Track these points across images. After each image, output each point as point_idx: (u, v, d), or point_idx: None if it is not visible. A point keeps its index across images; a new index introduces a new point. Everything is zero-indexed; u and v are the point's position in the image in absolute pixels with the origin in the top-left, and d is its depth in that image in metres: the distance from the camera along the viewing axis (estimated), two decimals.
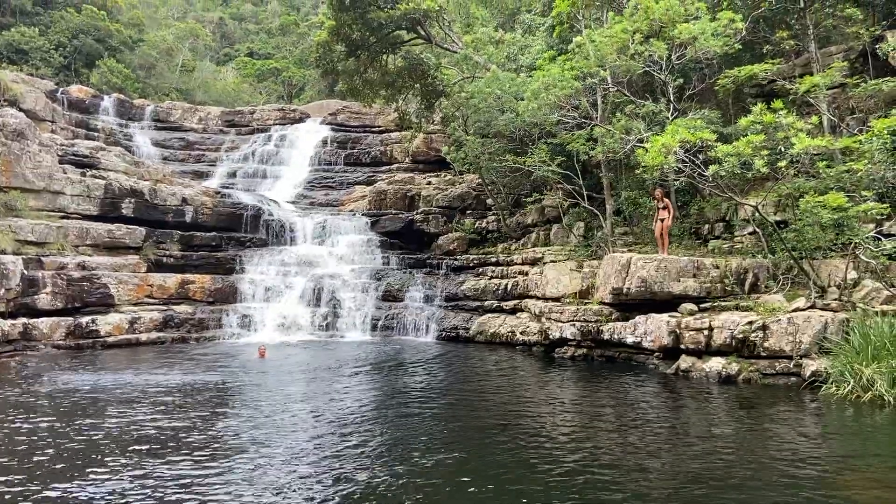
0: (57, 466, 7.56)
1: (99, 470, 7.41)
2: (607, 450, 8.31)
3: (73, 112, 33.14)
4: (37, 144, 21.71)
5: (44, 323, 18.57)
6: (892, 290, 12.96)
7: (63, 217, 21.77)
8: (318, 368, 15.30)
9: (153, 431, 9.14)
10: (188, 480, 7.03)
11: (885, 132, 12.68)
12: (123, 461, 7.72)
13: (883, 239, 13.46)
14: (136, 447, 8.33)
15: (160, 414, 10.24)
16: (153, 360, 16.53)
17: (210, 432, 9.01)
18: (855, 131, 14.99)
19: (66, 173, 22.46)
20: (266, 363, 16.06)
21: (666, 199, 16.70)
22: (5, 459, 7.77)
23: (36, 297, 18.89)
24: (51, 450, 8.19)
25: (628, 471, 7.42)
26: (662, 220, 16.42)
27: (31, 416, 10.03)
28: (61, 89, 34.63)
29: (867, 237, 13.47)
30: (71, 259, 20.42)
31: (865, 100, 15.66)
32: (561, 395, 12.56)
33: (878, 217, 13.28)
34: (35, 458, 7.82)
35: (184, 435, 8.91)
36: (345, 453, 8.09)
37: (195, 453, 8.01)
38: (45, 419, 9.83)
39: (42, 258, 19.67)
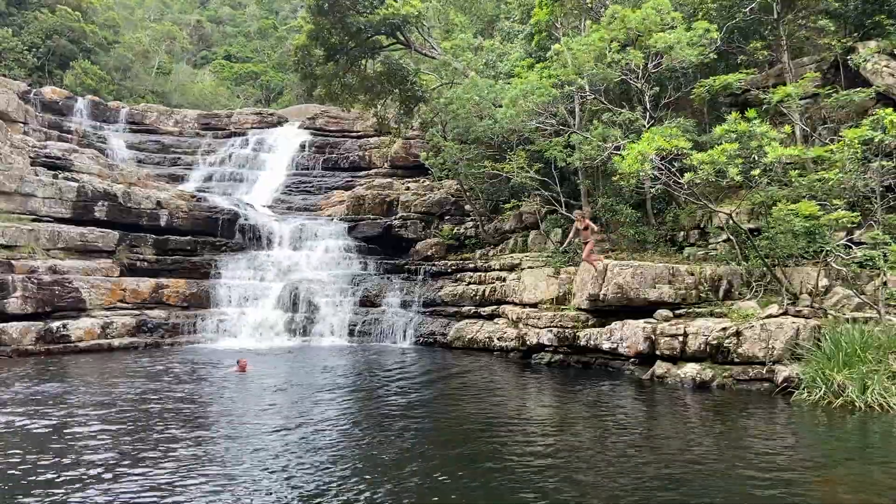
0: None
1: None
2: (581, 457, 8.32)
3: (46, 114, 32.60)
4: (8, 146, 21.35)
5: (13, 327, 18.20)
6: (862, 297, 13.19)
7: (34, 220, 21.36)
8: (295, 379, 14.93)
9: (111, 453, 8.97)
10: None
11: (856, 142, 12.93)
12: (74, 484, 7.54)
13: (853, 247, 13.71)
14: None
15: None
16: (124, 370, 16.24)
17: (174, 454, 8.64)
18: (826, 141, 15.25)
19: (37, 175, 22.08)
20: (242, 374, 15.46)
21: (587, 220, 16.29)
22: None
23: (5, 301, 18.51)
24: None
25: (601, 477, 7.44)
26: (587, 243, 16.06)
27: None
28: (34, 90, 34.06)
29: (838, 245, 13.73)
30: (42, 262, 20.04)
31: (837, 110, 15.95)
32: (537, 402, 12.58)
33: (849, 225, 13.51)
34: None
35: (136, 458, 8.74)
36: (320, 475, 8.02)
37: (153, 478, 7.75)
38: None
39: (12, 261, 19.29)
